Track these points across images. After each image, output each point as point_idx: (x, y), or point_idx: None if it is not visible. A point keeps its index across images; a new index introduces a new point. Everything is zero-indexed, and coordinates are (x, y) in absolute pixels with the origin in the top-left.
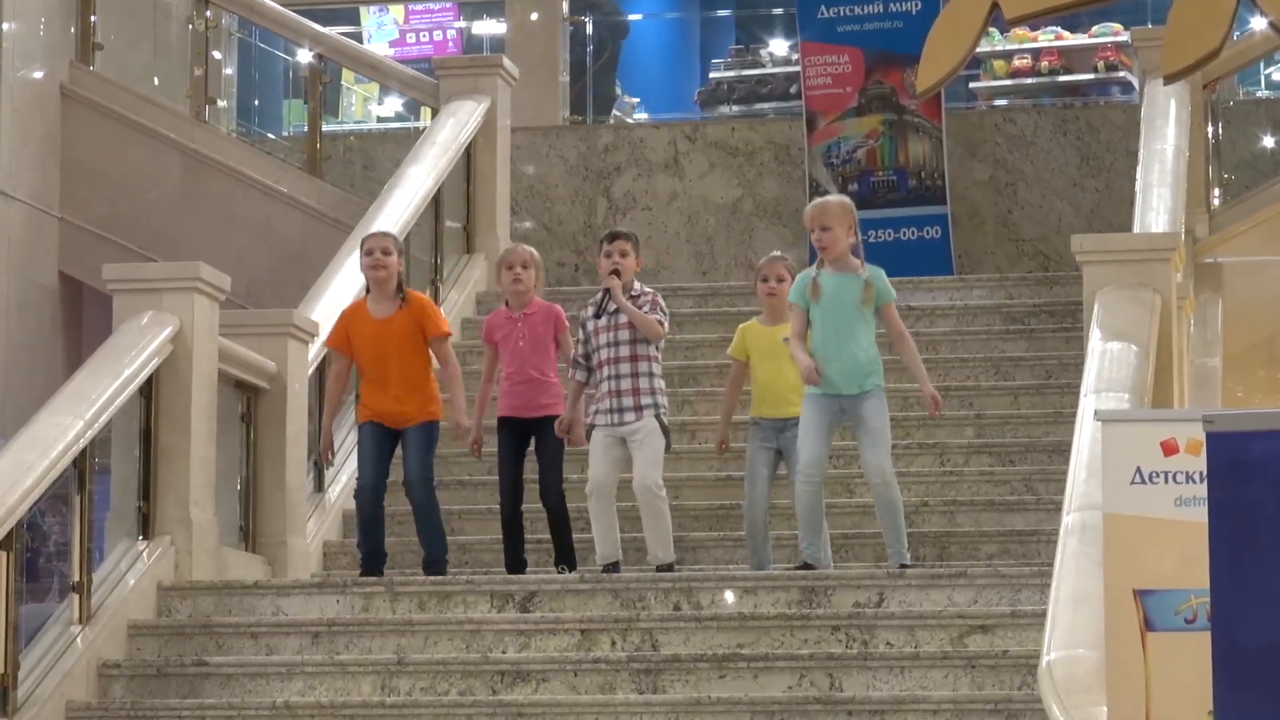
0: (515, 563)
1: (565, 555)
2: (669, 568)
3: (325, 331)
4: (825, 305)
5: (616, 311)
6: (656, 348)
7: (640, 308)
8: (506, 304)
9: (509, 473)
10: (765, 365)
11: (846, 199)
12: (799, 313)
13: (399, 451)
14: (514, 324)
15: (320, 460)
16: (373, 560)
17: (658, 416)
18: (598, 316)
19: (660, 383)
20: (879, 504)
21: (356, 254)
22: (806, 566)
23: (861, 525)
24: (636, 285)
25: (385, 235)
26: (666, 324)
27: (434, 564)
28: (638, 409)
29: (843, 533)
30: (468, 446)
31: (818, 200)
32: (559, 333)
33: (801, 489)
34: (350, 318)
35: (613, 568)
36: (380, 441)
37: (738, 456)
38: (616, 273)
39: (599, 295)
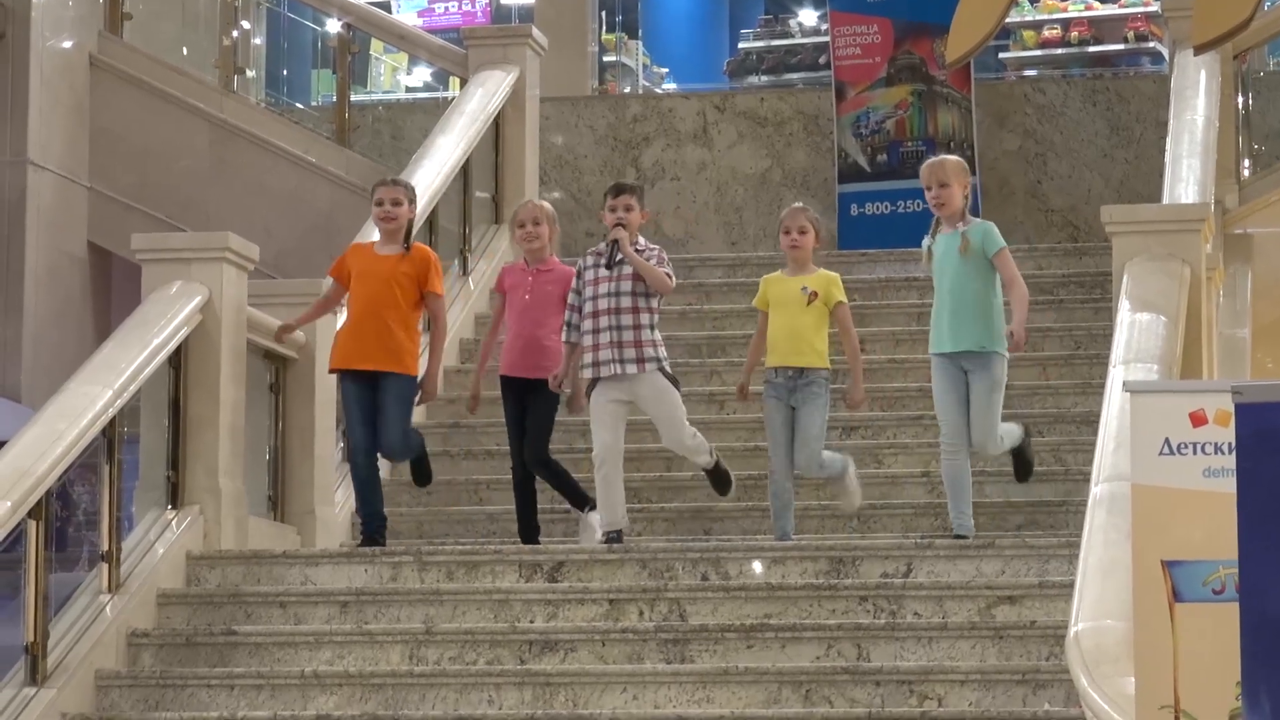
0: (528, 530)
1: (578, 499)
2: (717, 468)
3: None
4: (937, 266)
5: (622, 262)
6: (657, 302)
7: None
8: (525, 260)
9: (516, 433)
10: (779, 313)
11: (960, 159)
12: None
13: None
14: (524, 276)
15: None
16: (374, 524)
17: (661, 369)
18: (609, 268)
19: (660, 335)
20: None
21: None
22: (959, 538)
23: (889, 496)
24: (641, 240)
25: (396, 185)
26: (674, 278)
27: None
28: (640, 361)
29: (870, 503)
30: (467, 405)
31: (933, 159)
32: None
33: (945, 460)
34: (354, 251)
35: (615, 537)
36: (363, 400)
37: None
38: (621, 225)
39: (603, 246)
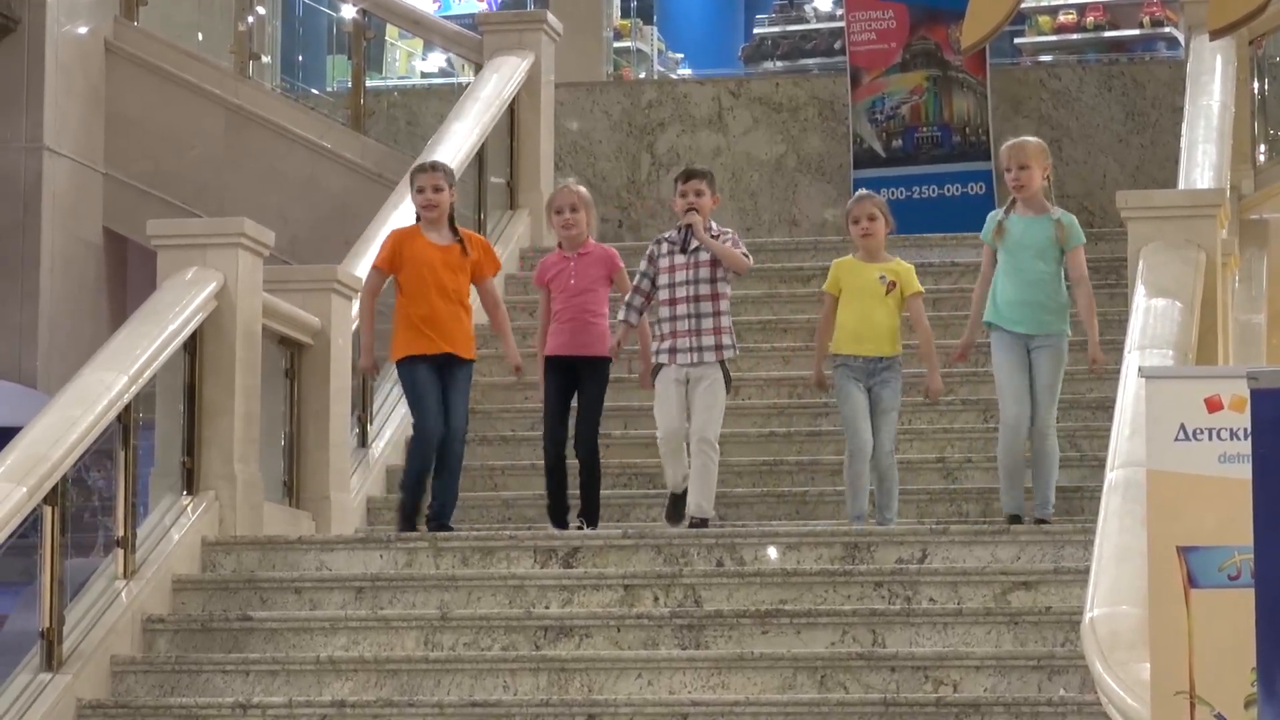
0: (559, 512)
1: (590, 510)
2: (704, 523)
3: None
4: (1010, 247)
5: (698, 249)
6: (730, 287)
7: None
8: (560, 246)
9: (555, 415)
10: (855, 301)
11: (1041, 141)
12: (988, 252)
13: None
14: (567, 263)
15: (363, 415)
16: (416, 512)
17: (723, 362)
18: (683, 253)
19: (731, 321)
20: (1034, 454)
21: (399, 210)
22: (1014, 519)
23: (905, 481)
24: (714, 225)
25: (435, 171)
26: (750, 257)
27: (445, 514)
28: (718, 348)
29: None
30: (525, 393)
31: (1015, 140)
32: (614, 274)
33: (1005, 440)
34: (404, 240)
35: (682, 499)
36: (435, 385)
37: (781, 412)
38: (694, 210)
39: (676, 233)
